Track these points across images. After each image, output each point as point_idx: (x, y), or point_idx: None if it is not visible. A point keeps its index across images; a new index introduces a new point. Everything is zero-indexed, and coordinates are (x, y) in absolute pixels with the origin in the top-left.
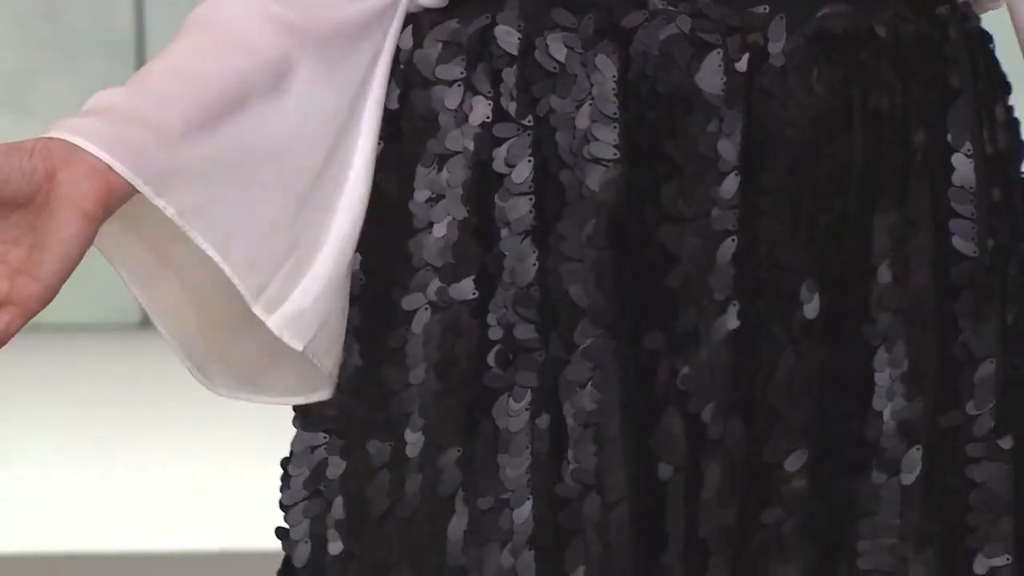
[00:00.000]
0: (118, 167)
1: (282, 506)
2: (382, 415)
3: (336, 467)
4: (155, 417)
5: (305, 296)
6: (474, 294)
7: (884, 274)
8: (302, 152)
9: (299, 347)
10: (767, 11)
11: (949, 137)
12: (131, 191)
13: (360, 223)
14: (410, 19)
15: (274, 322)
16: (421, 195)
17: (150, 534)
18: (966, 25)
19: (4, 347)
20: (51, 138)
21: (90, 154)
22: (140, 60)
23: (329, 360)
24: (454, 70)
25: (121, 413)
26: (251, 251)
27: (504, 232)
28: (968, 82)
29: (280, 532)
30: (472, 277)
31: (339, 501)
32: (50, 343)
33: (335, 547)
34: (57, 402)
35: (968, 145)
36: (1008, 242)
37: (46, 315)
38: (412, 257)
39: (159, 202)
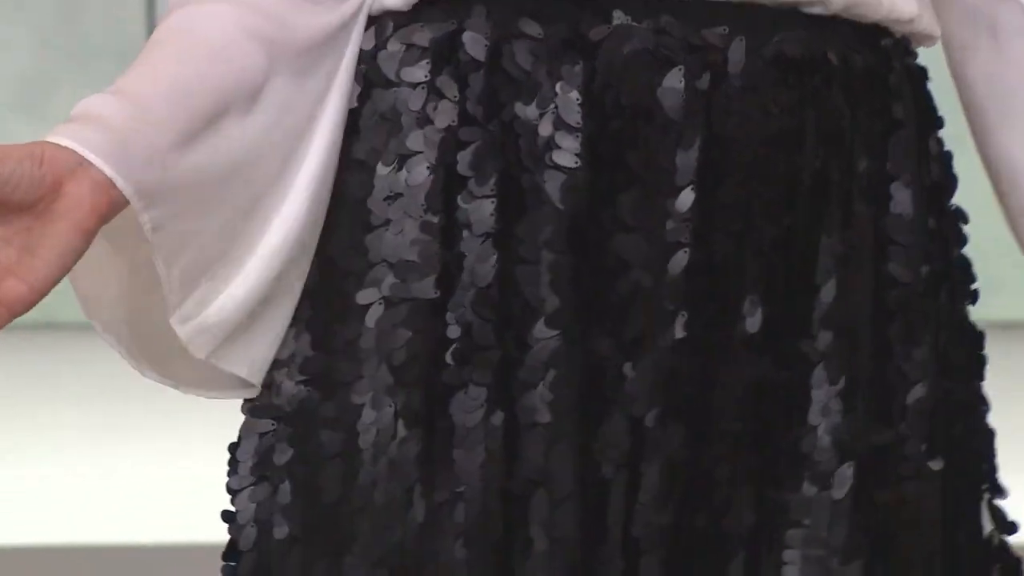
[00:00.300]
0: (121, 184)
1: (229, 490)
2: (333, 405)
3: (283, 453)
4: (159, 414)
5: (221, 310)
6: (435, 293)
7: (827, 293)
8: (262, 165)
9: (201, 356)
10: (727, 32)
11: (889, 166)
12: (124, 206)
13: (296, 236)
14: (371, 20)
15: (183, 333)
16: (380, 192)
17: (156, 526)
18: (907, 59)
19: (21, 344)
20: (58, 145)
21: (95, 168)
22: None
23: (246, 366)
24: (418, 72)
25: (128, 410)
26: (191, 264)
27: (465, 234)
28: (910, 114)
29: (226, 516)
30: (434, 277)
31: (286, 487)
32: (64, 341)
33: (280, 531)
34: (71, 398)
35: (907, 175)
36: (941, 270)
37: (64, 313)
38: (368, 252)
39: (143, 218)
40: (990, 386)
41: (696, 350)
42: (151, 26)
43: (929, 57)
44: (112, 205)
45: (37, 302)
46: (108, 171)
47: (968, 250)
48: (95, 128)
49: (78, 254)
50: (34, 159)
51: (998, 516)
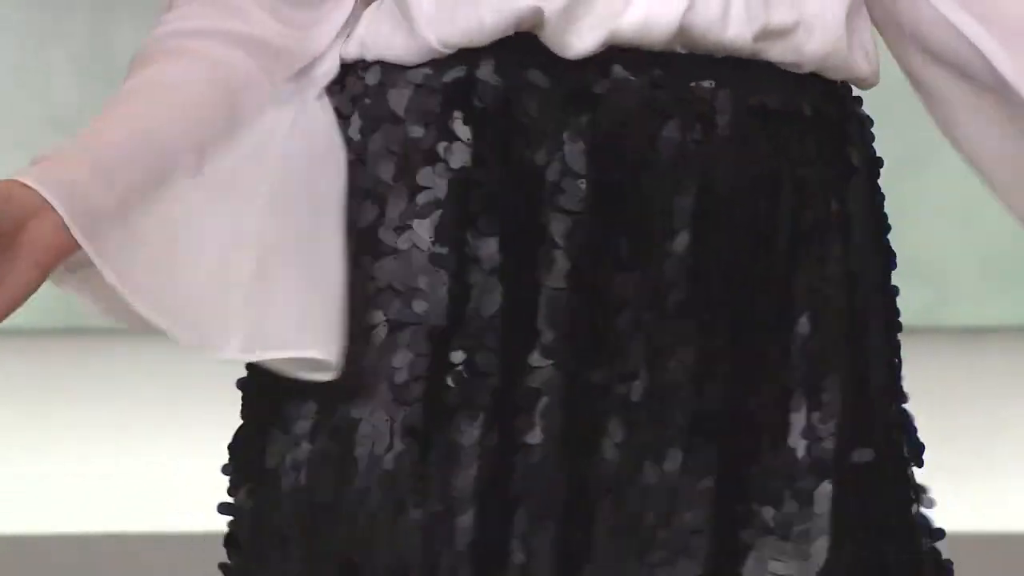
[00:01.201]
0: (79, 238)
1: (231, 489)
2: (331, 417)
3: (274, 456)
4: (173, 413)
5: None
6: (446, 321)
7: (804, 325)
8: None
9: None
10: (713, 86)
11: (850, 207)
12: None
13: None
14: (374, 62)
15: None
16: (391, 223)
17: (167, 516)
18: (858, 108)
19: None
20: (26, 185)
21: (56, 212)
22: None
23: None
24: (428, 113)
25: (147, 408)
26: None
27: (474, 267)
28: (865, 160)
29: (223, 508)
30: (444, 304)
31: (279, 487)
32: (90, 344)
33: (276, 529)
34: (93, 398)
35: (862, 214)
36: (884, 300)
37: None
38: (376, 279)
39: (98, 264)
40: (958, 389)
41: (691, 382)
42: None
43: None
44: (69, 248)
45: None
46: (66, 217)
47: (934, 260)
48: (60, 173)
49: (34, 287)
50: (3, 197)
51: (924, 524)
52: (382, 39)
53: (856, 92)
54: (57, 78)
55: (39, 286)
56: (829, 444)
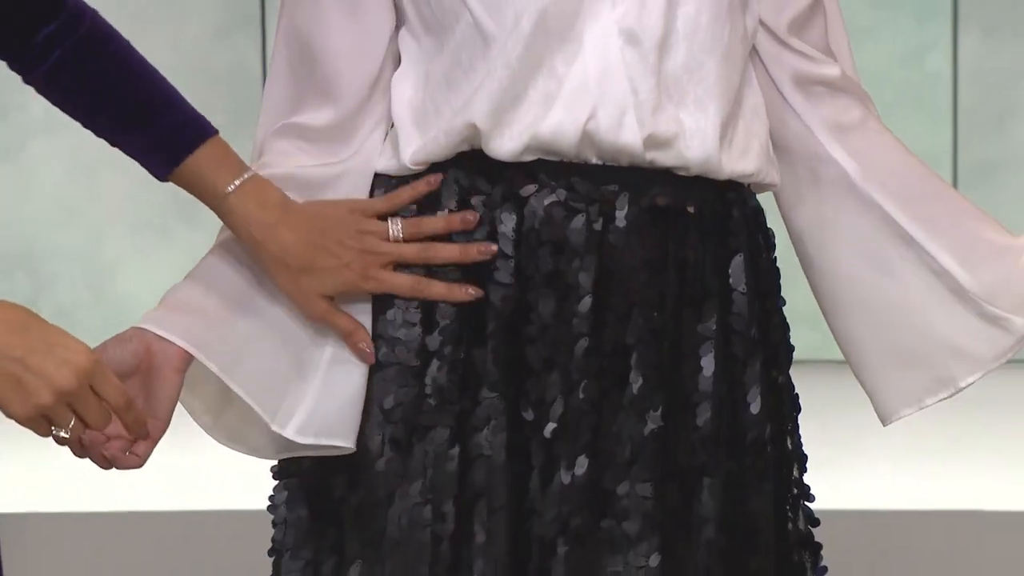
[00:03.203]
0: (190, 349)
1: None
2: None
3: (303, 460)
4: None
5: (311, 413)
6: (417, 362)
7: (687, 367)
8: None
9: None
10: (617, 189)
11: (730, 281)
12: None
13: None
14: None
15: (288, 434)
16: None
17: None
18: (746, 206)
19: None
20: (143, 328)
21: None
22: None
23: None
24: (408, 207)
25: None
26: (267, 384)
27: (440, 323)
28: (743, 245)
29: (271, 499)
30: (416, 350)
31: (303, 481)
32: None
33: (303, 513)
34: None
35: (743, 286)
36: (761, 350)
37: None
38: (373, 332)
39: (211, 365)
40: (833, 405)
41: (594, 406)
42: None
43: None
44: (189, 356)
45: (166, 428)
46: (179, 342)
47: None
48: (167, 313)
49: (180, 388)
50: (127, 342)
51: (807, 513)
52: (383, 159)
53: (746, 188)
54: None
55: (182, 385)
56: (702, 456)
